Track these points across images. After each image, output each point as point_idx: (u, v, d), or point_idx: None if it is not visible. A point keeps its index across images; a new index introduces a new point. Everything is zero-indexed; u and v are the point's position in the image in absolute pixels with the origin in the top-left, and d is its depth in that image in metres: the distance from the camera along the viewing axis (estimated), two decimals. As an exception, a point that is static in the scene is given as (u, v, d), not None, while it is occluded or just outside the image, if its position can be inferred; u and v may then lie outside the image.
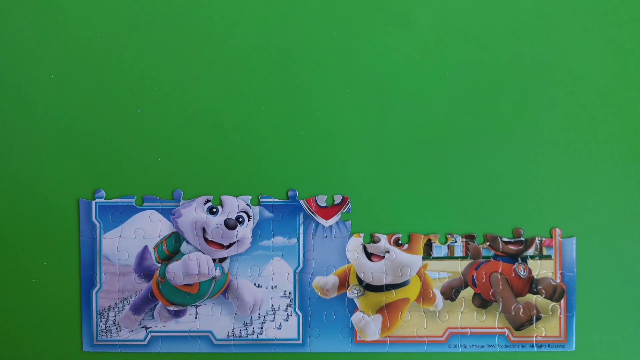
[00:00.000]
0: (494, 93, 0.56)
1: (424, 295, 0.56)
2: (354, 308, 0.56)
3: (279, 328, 0.56)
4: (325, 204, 0.56)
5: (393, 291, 0.56)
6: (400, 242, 0.56)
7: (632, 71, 0.56)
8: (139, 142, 0.56)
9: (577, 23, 0.56)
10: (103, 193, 0.56)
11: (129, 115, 0.56)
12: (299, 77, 0.56)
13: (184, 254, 0.56)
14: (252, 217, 0.56)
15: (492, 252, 0.56)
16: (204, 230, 0.56)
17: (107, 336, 0.56)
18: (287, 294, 0.56)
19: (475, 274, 0.56)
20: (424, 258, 0.56)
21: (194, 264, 0.55)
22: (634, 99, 0.56)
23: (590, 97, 0.56)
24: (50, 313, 0.56)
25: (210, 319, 0.56)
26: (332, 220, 0.56)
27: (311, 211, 0.56)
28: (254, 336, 0.56)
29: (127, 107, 0.56)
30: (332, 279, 0.56)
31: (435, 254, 0.56)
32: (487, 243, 0.56)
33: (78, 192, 0.56)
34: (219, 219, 0.56)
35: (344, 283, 0.56)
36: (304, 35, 0.56)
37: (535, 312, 0.56)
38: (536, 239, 0.56)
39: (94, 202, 0.56)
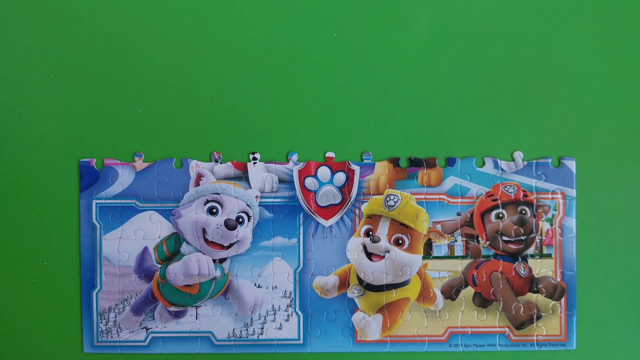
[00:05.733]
0: (494, 93, 0.56)
1: (425, 295, 0.56)
2: (354, 308, 0.56)
3: (280, 328, 0.56)
4: (325, 204, 0.56)
5: (393, 291, 0.56)
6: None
7: (632, 71, 0.56)
8: (139, 143, 0.56)
9: (577, 23, 0.56)
10: (103, 194, 0.56)
11: (129, 115, 0.56)
12: (299, 77, 0.56)
13: (184, 255, 0.56)
14: (252, 217, 0.56)
15: (492, 251, 0.56)
16: (204, 230, 0.55)
17: (107, 337, 0.56)
18: (288, 294, 0.56)
19: (475, 273, 0.56)
20: (424, 257, 0.56)
21: (194, 264, 0.55)
22: (634, 99, 0.56)
23: (590, 97, 0.56)
24: (50, 314, 0.56)
25: (211, 320, 0.56)
26: (332, 220, 0.56)
27: (311, 211, 0.56)
28: (255, 336, 0.56)
29: (127, 107, 0.56)
30: (332, 279, 0.56)
31: (435, 253, 0.56)
32: (487, 242, 0.56)
33: (78, 193, 0.56)
34: (219, 219, 0.55)
35: (344, 283, 0.56)
36: (304, 35, 0.56)
37: (535, 311, 0.56)
38: (536, 238, 0.56)
39: (94, 203, 0.56)
